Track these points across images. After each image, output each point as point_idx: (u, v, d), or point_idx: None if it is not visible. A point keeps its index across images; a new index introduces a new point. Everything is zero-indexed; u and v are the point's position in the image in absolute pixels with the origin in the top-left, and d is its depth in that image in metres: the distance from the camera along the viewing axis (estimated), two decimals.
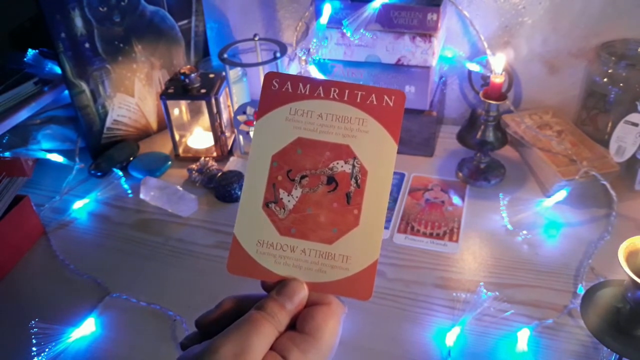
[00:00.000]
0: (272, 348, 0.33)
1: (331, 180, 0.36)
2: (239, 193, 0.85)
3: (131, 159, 0.96)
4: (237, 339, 0.31)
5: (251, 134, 0.91)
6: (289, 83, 0.36)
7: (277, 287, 0.35)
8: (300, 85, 0.36)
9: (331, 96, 0.36)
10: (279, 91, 0.37)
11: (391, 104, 0.36)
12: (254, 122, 0.37)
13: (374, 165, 0.36)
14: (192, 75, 0.89)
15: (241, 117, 0.89)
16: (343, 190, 0.35)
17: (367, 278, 0.35)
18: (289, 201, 0.36)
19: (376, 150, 0.36)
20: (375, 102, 0.36)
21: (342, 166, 0.36)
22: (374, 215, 0.35)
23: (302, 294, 0.35)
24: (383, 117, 0.36)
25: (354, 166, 0.36)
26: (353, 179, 0.35)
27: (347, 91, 0.36)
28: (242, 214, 0.36)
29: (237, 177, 0.85)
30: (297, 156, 0.36)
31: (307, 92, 0.36)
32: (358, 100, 0.36)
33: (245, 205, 0.36)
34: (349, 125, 0.36)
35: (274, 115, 0.36)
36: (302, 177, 0.36)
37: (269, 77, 0.37)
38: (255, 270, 0.35)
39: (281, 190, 0.36)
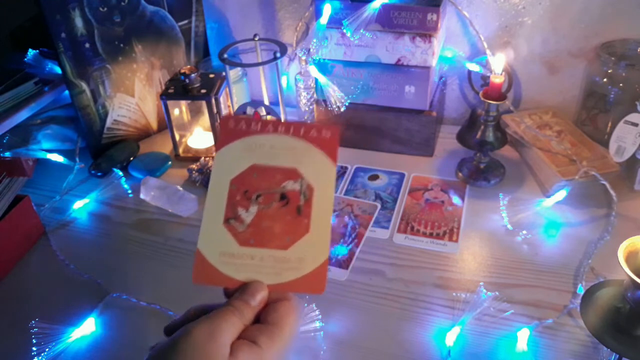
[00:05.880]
0: (241, 337, 0.37)
1: (283, 196, 0.41)
2: None
3: (131, 159, 0.96)
4: (208, 324, 0.36)
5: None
6: (243, 122, 0.42)
7: (240, 289, 0.39)
8: (253, 123, 0.42)
9: (279, 131, 0.42)
10: (235, 128, 0.42)
11: (329, 136, 0.42)
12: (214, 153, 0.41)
13: (319, 183, 0.41)
14: (192, 75, 0.90)
15: None
16: (294, 204, 0.41)
17: (320, 275, 0.40)
18: (247, 217, 0.41)
19: (319, 171, 0.42)
20: (315, 135, 0.42)
21: (292, 185, 0.41)
22: (322, 222, 0.41)
23: (263, 293, 0.39)
24: (323, 145, 0.42)
25: (302, 184, 0.41)
26: (302, 195, 0.41)
27: (292, 127, 0.42)
28: (205, 230, 0.40)
29: None
30: (253, 179, 0.41)
31: (258, 129, 0.42)
32: (301, 133, 0.42)
33: (207, 222, 0.40)
34: (296, 152, 0.42)
35: (231, 147, 0.42)
36: (258, 196, 0.41)
37: (225, 119, 0.43)
38: (219, 278, 0.39)
39: (240, 208, 0.41)
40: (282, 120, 0.43)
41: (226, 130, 0.42)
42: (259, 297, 0.39)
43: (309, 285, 0.39)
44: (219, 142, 0.42)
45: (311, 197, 0.41)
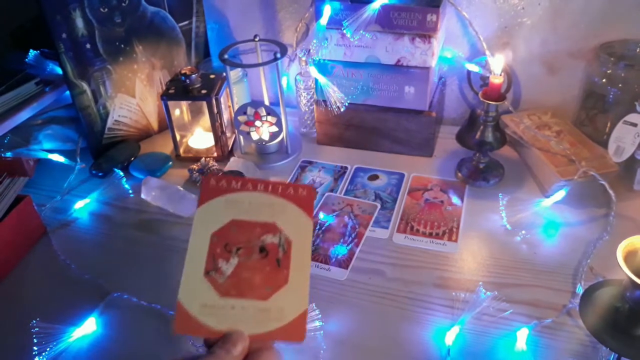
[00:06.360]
0: None
1: (263, 249, 0.43)
2: None
3: (132, 159, 0.96)
4: None
5: (252, 134, 0.91)
6: (224, 181, 0.45)
7: (221, 338, 0.40)
8: (233, 182, 0.45)
9: (258, 189, 0.44)
10: (216, 186, 0.44)
11: (305, 193, 0.45)
12: (197, 208, 0.44)
13: (296, 236, 0.43)
14: (193, 75, 0.90)
15: (241, 118, 0.90)
16: (273, 257, 0.42)
17: (299, 324, 0.41)
18: (227, 268, 0.42)
19: (297, 225, 0.44)
20: (292, 193, 0.45)
21: (271, 238, 0.43)
22: (301, 274, 0.42)
23: (244, 343, 0.40)
24: (299, 202, 0.44)
25: (280, 238, 0.43)
26: (281, 248, 0.43)
27: (270, 186, 0.45)
28: (186, 282, 0.42)
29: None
30: (233, 233, 0.43)
31: (239, 187, 0.44)
32: (279, 192, 0.45)
33: (188, 274, 0.42)
34: (274, 209, 0.44)
35: (212, 203, 0.44)
36: (238, 249, 0.42)
37: (206, 178, 0.45)
38: (200, 329, 0.40)
39: (220, 260, 0.42)
40: (260, 179, 0.46)
41: (207, 188, 0.44)
42: (240, 347, 0.39)
43: (289, 335, 0.41)
44: (201, 199, 0.44)
45: (289, 250, 0.43)
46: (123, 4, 0.91)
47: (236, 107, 0.91)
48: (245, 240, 0.43)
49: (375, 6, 0.81)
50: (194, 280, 0.42)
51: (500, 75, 0.77)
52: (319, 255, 0.73)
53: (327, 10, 0.84)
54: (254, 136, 0.92)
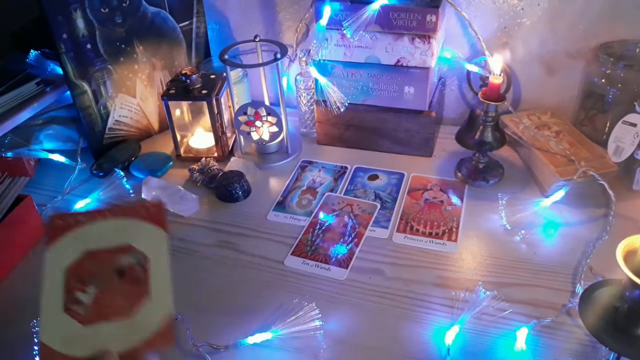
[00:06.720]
0: None
1: (120, 271, 0.44)
2: (240, 193, 0.85)
3: (133, 159, 0.96)
4: None
5: (252, 134, 0.91)
6: (70, 218, 0.46)
7: None
8: (80, 217, 0.46)
9: (107, 217, 0.46)
10: (63, 225, 0.45)
11: (154, 209, 0.47)
12: (48, 248, 0.45)
13: (152, 251, 0.45)
14: (194, 76, 0.90)
15: (242, 118, 0.90)
16: (132, 275, 0.44)
17: (166, 331, 0.43)
18: (86, 298, 0.43)
19: (151, 241, 0.46)
20: (141, 211, 0.46)
21: (126, 259, 0.45)
22: (160, 285, 0.45)
23: None
24: (150, 218, 0.46)
25: (136, 256, 0.45)
26: (138, 265, 0.45)
27: (118, 210, 0.47)
28: (46, 321, 0.43)
29: (238, 177, 0.86)
30: (87, 264, 0.44)
31: (86, 220, 0.46)
32: (128, 213, 0.46)
33: (47, 313, 0.43)
34: (125, 232, 0.46)
35: (62, 240, 0.45)
36: (95, 278, 0.44)
37: (51, 218, 0.46)
38: None
39: (78, 293, 0.43)
40: (107, 208, 0.48)
41: (56, 227, 0.45)
42: None
43: (158, 342, 0.42)
44: (49, 240, 0.45)
45: (147, 265, 0.45)
46: (124, 5, 0.91)
47: (236, 107, 0.91)
48: (102, 268, 0.44)
49: (375, 7, 0.81)
50: (53, 318, 0.43)
51: (500, 75, 0.78)
52: (319, 255, 0.74)
53: (327, 11, 0.84)
54: (255, 136, 0.92)
